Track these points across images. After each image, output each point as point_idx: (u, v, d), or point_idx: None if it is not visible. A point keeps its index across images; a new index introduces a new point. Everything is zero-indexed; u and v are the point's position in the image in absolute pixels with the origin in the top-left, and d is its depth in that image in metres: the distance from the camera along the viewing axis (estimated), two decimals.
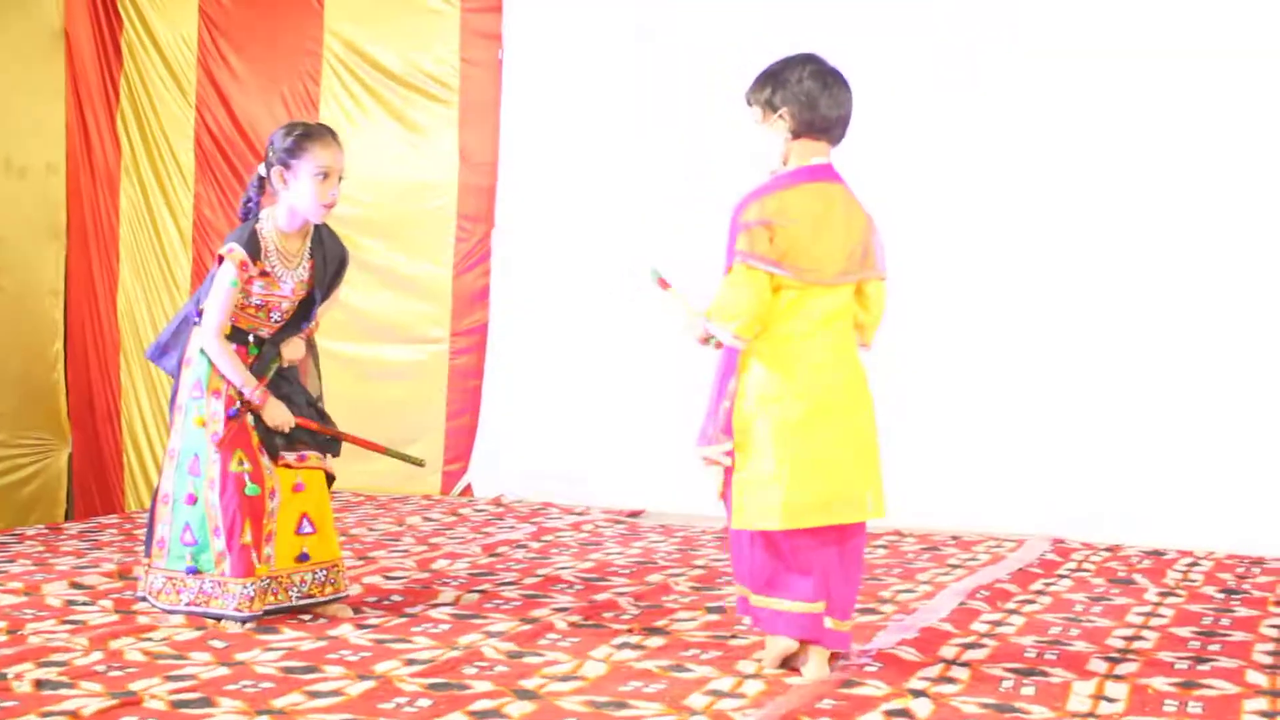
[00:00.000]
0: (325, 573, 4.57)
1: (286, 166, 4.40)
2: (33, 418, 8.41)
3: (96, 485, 8.56)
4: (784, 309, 3.76)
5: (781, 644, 3.84)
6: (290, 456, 4.53)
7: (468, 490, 7.68)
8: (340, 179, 4.46)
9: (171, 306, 8.32)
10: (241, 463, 4.41)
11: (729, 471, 3.81)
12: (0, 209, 8.18)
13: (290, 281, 4.49)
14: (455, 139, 7.84)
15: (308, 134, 4.43)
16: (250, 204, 4.54)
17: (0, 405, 8.17)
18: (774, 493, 3.71)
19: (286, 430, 4.47)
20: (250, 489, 4.39)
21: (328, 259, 4.59)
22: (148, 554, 4.59)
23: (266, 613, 4.42)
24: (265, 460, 4.45)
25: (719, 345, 3.88)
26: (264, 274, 4.43)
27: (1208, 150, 6.35)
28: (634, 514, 6.90)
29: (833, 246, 3.78)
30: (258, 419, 4.47)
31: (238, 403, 4.44)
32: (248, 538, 4.37)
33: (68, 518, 8.28)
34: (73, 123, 8.53)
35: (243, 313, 4.46)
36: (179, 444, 4.51)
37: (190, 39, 8.30)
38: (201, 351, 4.47)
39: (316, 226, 4.55)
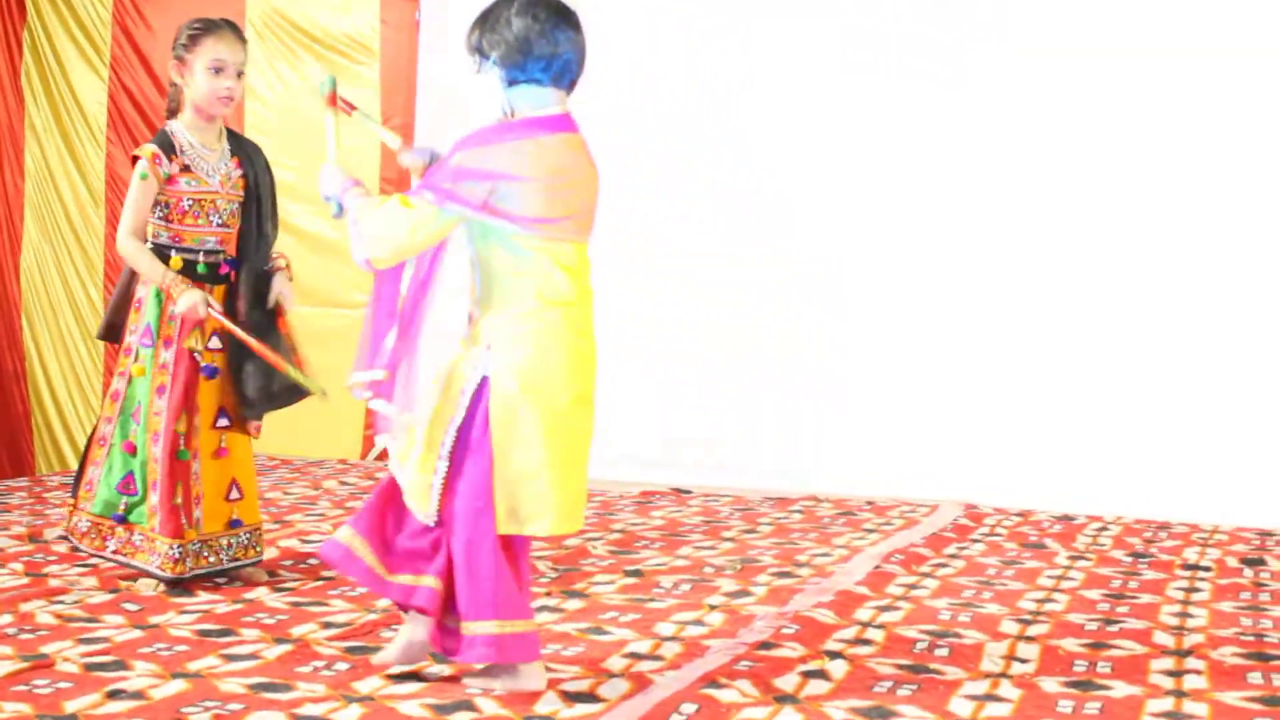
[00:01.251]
0: (248, 536, 4.54)
1: (181, 61, 4.43)
2: None
3: (3, 448, 8.41)
4: (536, 271, 3.29)
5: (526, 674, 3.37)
6: (223, 422, 4.46)
7: (384, 455, 7.63)
8: (240, 75, 4.45)
9: (84, 265, 8.18)
10: (182, 424, 4.34)
11: (480, 468, 3.29)
12: None
13: (215, 175, 4.43)
14: (377, 102, 7.76)
15: (205, 28, 4.43)
16: (172, 102, 4.51)
17: None
18: (546, 492, 3.28)
19: (199, 316, 4.30)
20: (181, 453, 4.34)
21: (251, 154, 4.57)
22: (74, 494, 4.51)
23: (194, 576, 4.38)
24: (196, 422, 4.37)
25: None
26: (185, 169, 4.37)
27: (1187, 144, 6.38)
28: None
29: (577, 204, 3.36)
30: (237, 383, 4.42)
31: (203, 364, 4.38)
32: (179, 499, 4.33)
33: None
34: None
35: (183, 223, 4.38)
36: (122, 387, 4.44)
37: None
38: (155, 296, 4.38)
39: (230, 131, 4.55)
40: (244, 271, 4.47)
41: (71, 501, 4.53)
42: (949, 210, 6.68)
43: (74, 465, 7.99)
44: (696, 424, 7.03)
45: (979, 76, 6.71)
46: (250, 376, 4.42)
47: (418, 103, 7.69)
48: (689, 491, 6.56)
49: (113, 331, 4.55)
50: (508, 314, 3.31)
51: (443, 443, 3.32)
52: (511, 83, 3.37)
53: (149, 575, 4.35)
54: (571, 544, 5.21)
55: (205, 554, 4.39)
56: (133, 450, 4.39)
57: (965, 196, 6.67)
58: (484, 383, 3.29)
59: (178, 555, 4.30)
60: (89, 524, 4.44)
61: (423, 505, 3.35)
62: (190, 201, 4.38)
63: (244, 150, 4.58)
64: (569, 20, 3.40)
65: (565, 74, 3.39)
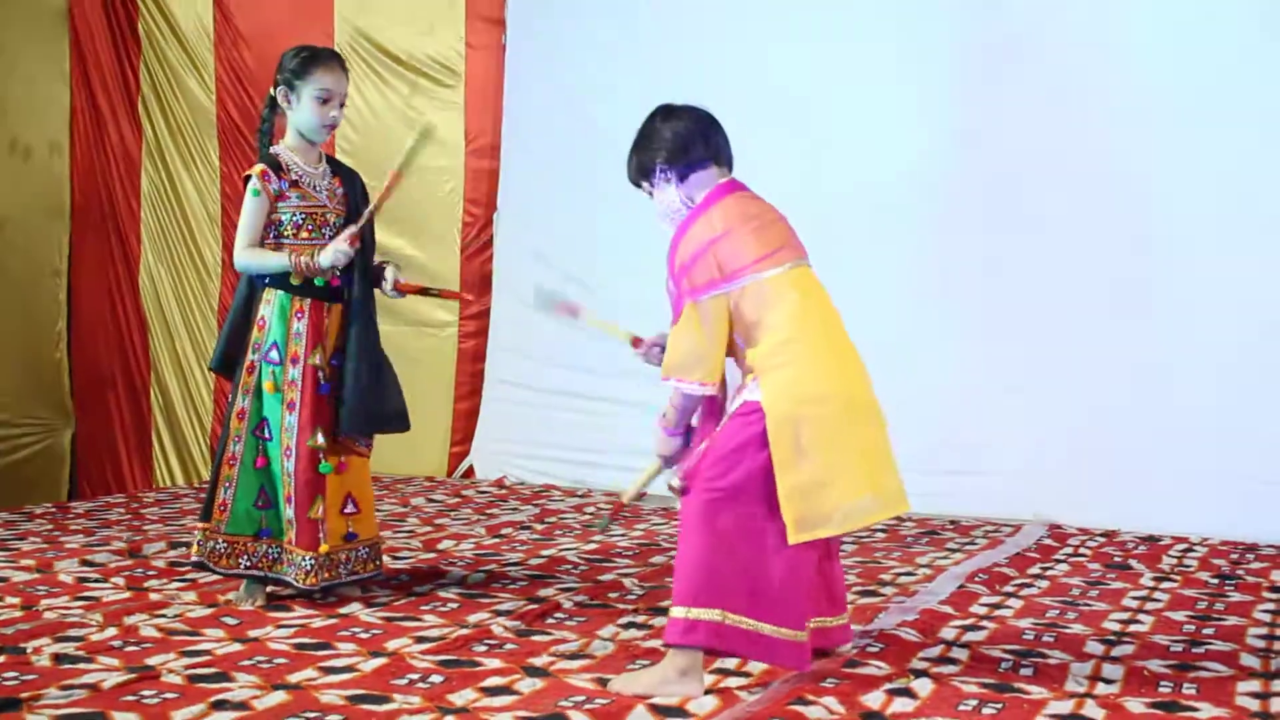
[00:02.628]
0: (367, 550, 4.62)
1: (291, 88, 4.53)
2: (35, 397, 8.48)
3: (106, 464, 8.62)
4: (779, 301, 3.57)
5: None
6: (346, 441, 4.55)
7: (470, 472, 7.75)
8: (342, 104, 4.58)
9: (199, 287, 8.42)
10: (318, 438, 4.45)
11: (717, 492, 3.55)
12: (5, 190, 8.25)
13: (323, 189, 4.56)
14: (461, 124, 7.90)
15: (313, 57, 4.55)
16: (266, 124, 4.64)
17: (3, 385, 8.23)
18: (832, 496, 3.49)
19: (349, 252, 4.41)
20: (324, 466, 4.45)
21: (349, 177, 4.70)
22: (206, 517, 4.51)
23: (324, 589, 4.49)
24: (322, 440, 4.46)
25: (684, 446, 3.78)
26: (294, 184, 4.49)
27: (1183, 139, 6.40)
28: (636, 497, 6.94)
29: (781, 234, 3.68)
30: (338, 399, 4.50)
31: (323, 381, 4.48)
32: (317, 513, 4.44)
33: (70, 497, 8.34)
34: (80, 105, 8.59)
35: (297, 238, 4.48)
36: (249, 405, 4.49)
37: (206, 24, 8.37)
38: (279, 314, 4.47)
39: (326, 155, 4.67)
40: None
41: (204, 525, 4.50)
42: (1033, 228, 6.67)
43: (192, 480, 8.19)
44: None
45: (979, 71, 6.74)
46: (363, 393, 4.51)
47: (504, 125, 7.80)
48: None
49: (228, 364, 4.59)
50: (767, 345, 3.57)
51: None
52: (682, 179, 3.75)
53: (287, 584, 4.46)
54: (657, 561, 5.27)
55: (329, 567, 4.48)
56: (264, 466, 4.48)
57: (1045, 213, 6.66)
58: (756, 410, 3.53)
59: (310, 568, 4.42)
60: (225, 545, 4.48)
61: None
62: (303, 216, 4.49)
63: (343, 172, 4.70)
64: (706, 113, 3.81)
65: (722, 152, 3.79)
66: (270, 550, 4.49)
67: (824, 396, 3.54)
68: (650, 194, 3.81)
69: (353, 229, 4.48)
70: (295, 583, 4.43)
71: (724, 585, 3.51)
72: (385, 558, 5.24)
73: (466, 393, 7.90)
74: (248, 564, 4.49)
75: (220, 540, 4.48)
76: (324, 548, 4.45)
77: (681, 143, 3.72)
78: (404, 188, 7.84)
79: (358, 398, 4.49)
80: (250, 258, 4.48)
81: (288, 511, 4.44)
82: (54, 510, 6.47)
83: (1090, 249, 6.56)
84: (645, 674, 3.59)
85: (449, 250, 7.91)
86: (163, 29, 8.47)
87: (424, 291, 4.83)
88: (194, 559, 4.53)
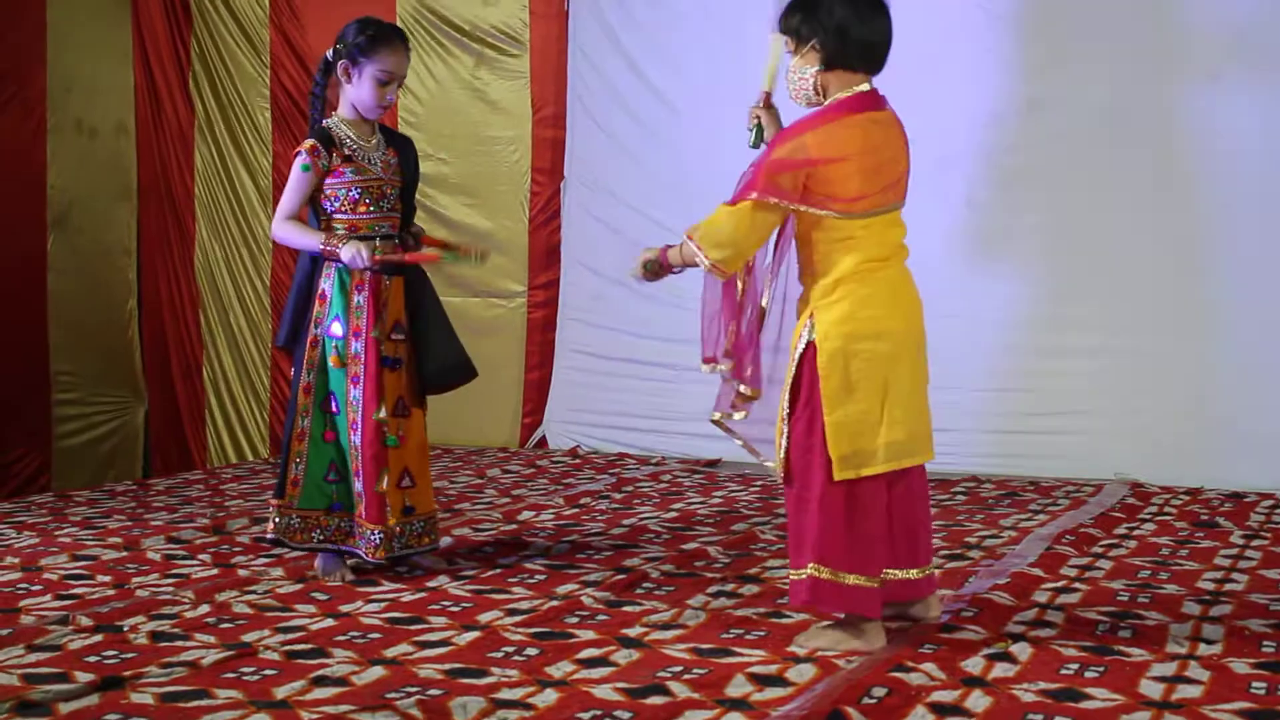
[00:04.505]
0: (423, 523, 4.60)
1: (354, 62, 4.47)
2: (109, 376, 8.55)
3: (174, 441, 8.69)
4: (853, 240, 3.60)
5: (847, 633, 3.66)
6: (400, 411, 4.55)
7: (543, 442, 7.76)
8: (400, 84, 4.57)
9: (251, 264, 8.45)
10: (382, 412, 4.45)
11: (805, 423, 3.60)
12: (73, 170, 8.30)
13: (378, 161, 4.53)
14: (527, 93, 7.87)
15: (379, 36, 4.50)
16: (319, 91, 4.59)
17: (77, 364, 8.32)
18: (880, 432, 3.57)
19: (365, 263, 4.36)
20: (390, 440, 4.46)
21: (403, 146, 4.68)
22: (280, 494, 4.50)
23: (390, 560, 4.52)
24: (387, 409, 4.47)
25: (657, 274, 3.83)
26: (347, 159, 4.46)
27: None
28: (711, 463, 6.95)
29: (892, 175, 3.66)
30: (408, 370, 4.55)
31: (384, 355, 4.48)
32: (383, 486, 4.44)
33: (145, 474, 8.42)
34: (141, 84, 8.62)
35: (355, 212, 4.46)
36: (314, 380, 4.48)
37: (263, 1, 8.35)
38: (339, 288, 4.46)
39: (381, 125, 4.65)
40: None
41: (279, 501, 4.49)
42: (1103, 187, 6.59)
43: (246, 457, 8.24)
44: None
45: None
46: (431, 350, 4.58)
47: (569, 93, 7.76)
48: None
49: (295, 338, 4.57)
50: (830, 279, 3.62)
51: (783, 406, 3.67)
52: (828, 67, 3.65)
53: (358, 558, 4.49)
54: (739, 529, 5.26)
55: (388, 540, 4.48)
56: (333, 439, 4.48)
57: (1115, 175, 6.58)
58: (810, 346, 3.61)
59: (378, 541, 4.43)
60: (299, 520, 4.49)
61: (777, 466, 3.71)
62: (359, 190, 4.46)
63: (396, 142, 4.68)
64: (884, 10, 3.69)
65: (875, 58, 3.69)
66: (343, 524, 4.51)
67: (877, 334, 3.60)
68: (786, 49, 3.73)
69: (380, 247, 4.46)
70: (365, 556, 4.45)
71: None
72: (467, 529, 5.26)
73: (536, 363, 7.89)
74: (321, 538, 4.50)
75: (294, 515, 4.49)
76: (391, 520, 4.46)
77: (843, 35, 3.62)
78: (472, 160, 7.90)
79: (444, 349, 4.58)
80: (286, 231, 4.48)
81: (356, 485, 4.45)
82: (135, 488, 6.53)
83: (1162, 209, 6.48)
84: (825, 633, 3.68)
85: (517, 221, 7.89)
86: (217, 4, 8.47)
87: (445, 247, 4.73)
88: (270, 536, 4.53)
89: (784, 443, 3.66)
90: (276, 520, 4.50)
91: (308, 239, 4.46)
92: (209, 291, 8.62)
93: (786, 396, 3.66)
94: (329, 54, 4.55)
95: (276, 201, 8.13)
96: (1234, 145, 6.32)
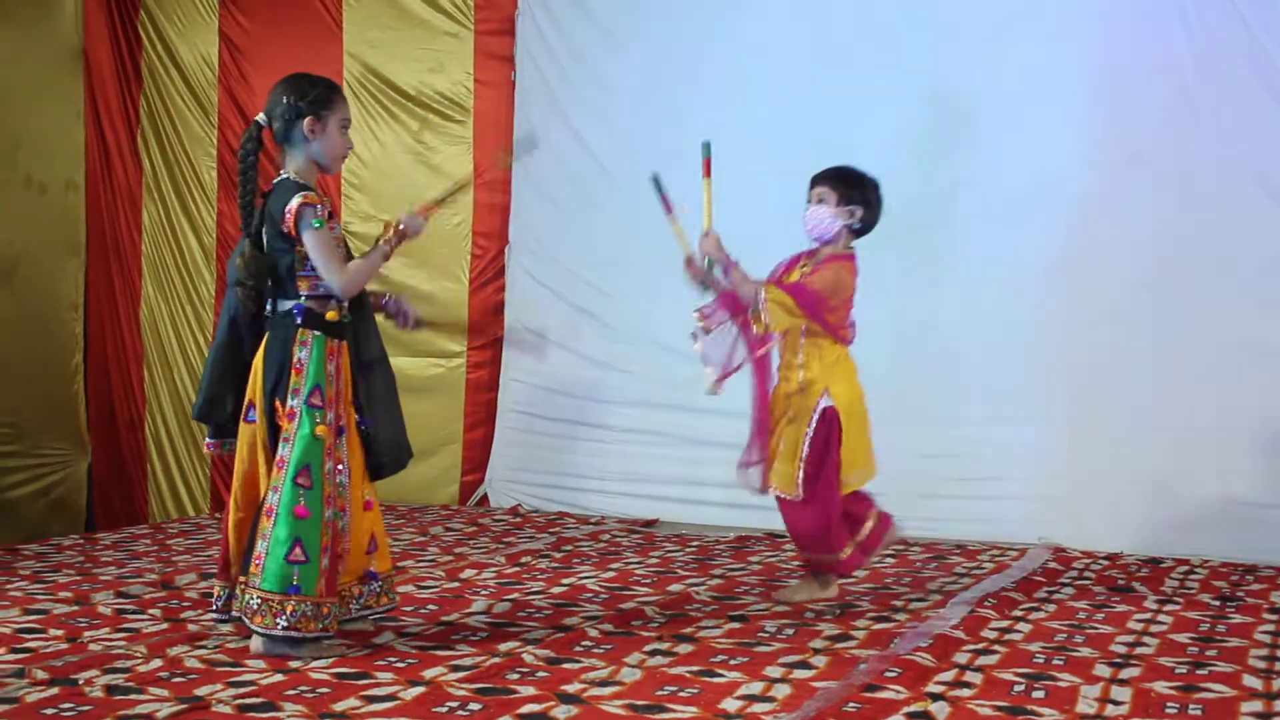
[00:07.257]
0: (380, 585, 4.59)
1: (318, 118, 4.39)
2: (53, 429, 8.63)
3: (118, 494, 8.77)
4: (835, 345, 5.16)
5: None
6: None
7: (484, 500, 7.90)
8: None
9: (195, 320, 8.56)
10: (367, 489, 4.50)
11: (815, 464, 5.09)
12: (22, 226, 8.41)
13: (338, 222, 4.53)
14: (470, 158, 8.06)
15: (331, 86, 4.48)
16: (252, 158, 4.39)
17: (22, 417, 8.39)
18: (864, 461, 5.17)
19: (424, 223, 4.49)
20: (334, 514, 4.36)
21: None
22: (245, 570, 4.31)
23: (342, 625, 4.45)
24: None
25: (708, 277, 5.07)
26: (330, 214, 4.39)
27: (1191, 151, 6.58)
28: (648, 524, 7.12)
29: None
30: (368, 442, 4.50)
31: (363, 424, 4.48)
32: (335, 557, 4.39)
33: (88, 528, 8.48)
34: (92, 141, 8.77)
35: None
36: (288, 453, 4.28)
37: (211, 60, 8.54)
38: (317, 356, 4.34)
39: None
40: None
41: (243, 579, 4.30)
42: (1034, 255, 6.81)
43: (188, 513, 8.33)
44: None
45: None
46: (383, 430, 4.54)
47: (513, 160, 7.94)
48: (784, 536, 6.73)
49: (212, 408, 4.48)
50: (827, 363, 5.14)
51: (802, 448, 5.10)
52: (853, 232, 5.19)
53: (325, 641, 4.34)
54: (675, 590, 5.43)
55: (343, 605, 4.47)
56: (305, 515, 4.25)
57: (1038, 248, 6.81)
58: (828, 409, 5.09)
59: (333, 614, 4.33)
60: (259, 601, 4.24)
61: (791, 489, 5.11)
62: (343, 248, 4.46)
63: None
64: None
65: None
66: (306, 609, 4.26)
67: (862, 397, 5.20)
68: (815, 198, 5.14)
69: (429, 201, 4.62)
70: (324, 635, 4.30)
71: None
72: (411, 587, 5.40)
73: (476, 422, 8.04)
74: (284, 625, 4.25)
75: (254, 596, 4.26)
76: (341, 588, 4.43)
77: (872, 220, 5.18)
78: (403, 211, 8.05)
79: (395, 434, 4.58)
80: (351, 274, 4.35)
81: (323, 562, 4.27)
82: (81, 541, 6.61)
83: (1093, 280, 6.71)
84: (802, 589, 5.28)
85: (457, 282, 8.06)
86: (166, 64, 8.65)
87: (440, 202, 4.81)
88: (232, 613, 4.40)
89: (802, 471, 5.07)
90: (240, 596, 4.32)
91: (371, 258, 4.41)
92: (153, 347, 8.74)
93: (808, 442, 5.07)
94: (260, 119, 4.43)
95: (222, 260, 8.41)
96: (1131, 229, 6.62)
